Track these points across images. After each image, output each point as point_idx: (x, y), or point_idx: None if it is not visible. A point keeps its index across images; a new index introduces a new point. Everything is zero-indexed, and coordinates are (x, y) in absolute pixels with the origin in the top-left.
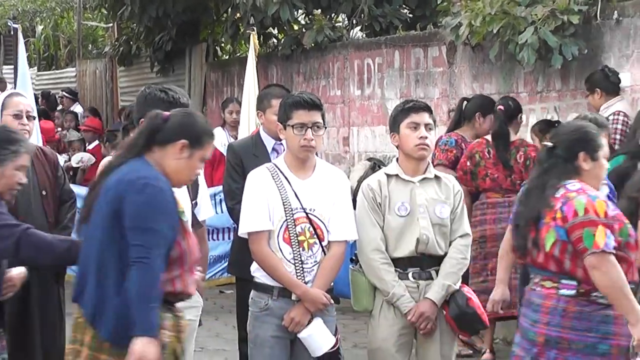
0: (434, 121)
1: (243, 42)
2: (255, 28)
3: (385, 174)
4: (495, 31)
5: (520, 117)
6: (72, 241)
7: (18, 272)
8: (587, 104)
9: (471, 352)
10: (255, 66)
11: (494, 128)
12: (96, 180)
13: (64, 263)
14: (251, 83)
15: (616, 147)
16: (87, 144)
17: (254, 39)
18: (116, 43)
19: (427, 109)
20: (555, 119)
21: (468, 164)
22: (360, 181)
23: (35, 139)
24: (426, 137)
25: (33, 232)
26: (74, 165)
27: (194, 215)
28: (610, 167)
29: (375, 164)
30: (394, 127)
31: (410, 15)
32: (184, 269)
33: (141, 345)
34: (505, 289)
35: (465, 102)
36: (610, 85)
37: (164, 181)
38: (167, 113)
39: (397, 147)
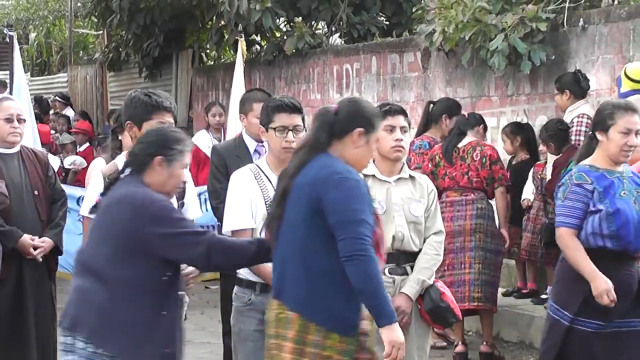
0: (409, 124)
1: (227, 48)
2: (243, 35)
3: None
4: (467, 38)
5: (483, 128)
6: (259, 241)
7: (190, 270)
8: (555, 106)
9: (445, 344)
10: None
11: (452, 126)
12: (285, 181)
13: (253, 264)
14: (239, 88)
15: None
16: (78, 146)
17: (242, 45)
18: (106, 50)
19: (402, 112)
20: (525, 121)
21: (429, 165)
22: None
23: (32, 142)
24: (401, 140)
25: (221, 237)
26: (66, 166)
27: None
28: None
29: None
30: None
31: (387, 23)
32: (380, 254)
33: (390, 333)
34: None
35: (431, 105)
36: (579, 90)
37: (355, 172)
38: (334, 106)
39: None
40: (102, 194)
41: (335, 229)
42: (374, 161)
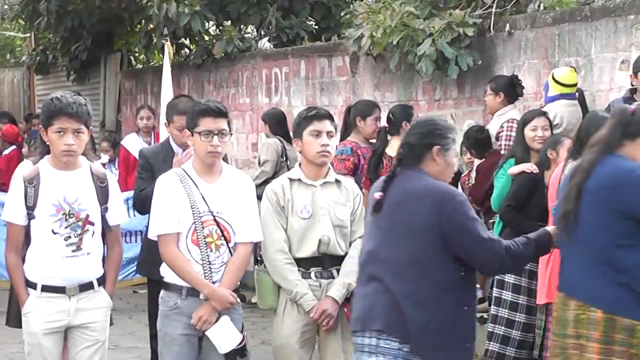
0: (335, 128)
1: (156, 51)
2: (169, 38)
3: (289, 178)
4: (395, 42)
5: (408, 123)
6: (535, 241)
7: None
8: (482, 110)
9: None
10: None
11: (375, 146)
12: (579, 178)
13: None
14: (168, 91)
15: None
16: (4, 150)
17: (168, 48)
18: (33, 52)
19: (329, 116)
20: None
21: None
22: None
23: None
24: (328, 145)
25: (506, 244)
26: None
27: (104, 219)
28: (505, 170)
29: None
30: (297, 133)
31: (316, 27)
32: None
33: None
34: None
35: (350, 110)
36: (513, 94)
37: None
38: (633, 107)
39: (300, 152)
40: (382, 190)
41: None
42: (299, 165)
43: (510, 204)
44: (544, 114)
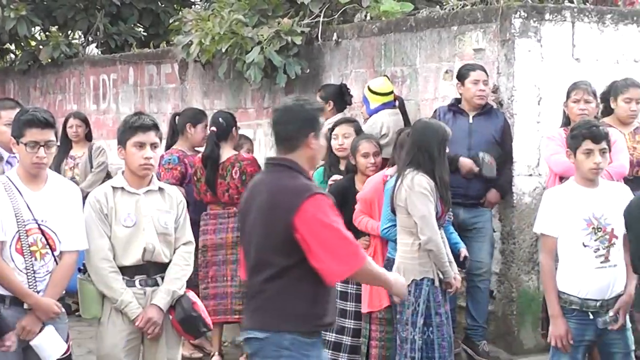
0: (160, 138)
1: None
2: None
3: (112, 186)
4: (224, 50)
5: (236, 130)
6: None
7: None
8: None
9: (201, 355)
10: None
11: (204, 151)
12: None
13: None
14: None
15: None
16: None
17: None
18: None
19: (155, 127)
20: None
21: (194, 178)
22: None
23: None
24: (150, 157)
25: None
26: None
27: None
28: (316, 179)
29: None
30: (121, 141)
31: (145, 34)
32: None
33: None
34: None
35: (177, 117)
36: (342, 103)
37: None
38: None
39: (123, 160)
40: None
41: None
42: (122, 173)
43: None
44: (349, 121)
